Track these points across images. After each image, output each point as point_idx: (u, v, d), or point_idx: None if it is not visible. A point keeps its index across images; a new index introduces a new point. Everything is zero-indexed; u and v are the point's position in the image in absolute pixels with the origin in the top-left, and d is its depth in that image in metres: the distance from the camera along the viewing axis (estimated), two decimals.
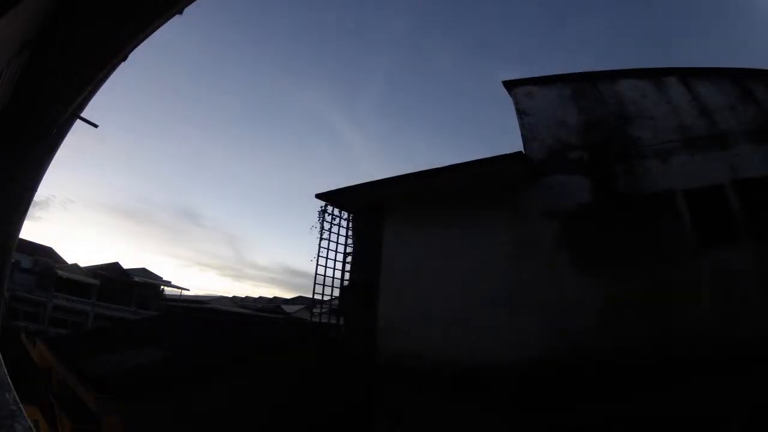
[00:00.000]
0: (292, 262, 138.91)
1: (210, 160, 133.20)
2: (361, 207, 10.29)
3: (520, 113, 8.88)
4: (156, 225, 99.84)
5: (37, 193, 6.11)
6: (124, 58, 4.60)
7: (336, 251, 10.39)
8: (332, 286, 10.20)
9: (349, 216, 10.65)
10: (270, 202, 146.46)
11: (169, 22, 4.28)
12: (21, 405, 1.48)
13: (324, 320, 10.24)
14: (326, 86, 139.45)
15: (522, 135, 8.65)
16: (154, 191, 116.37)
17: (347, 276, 10.44)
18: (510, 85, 9.29)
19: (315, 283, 9.88)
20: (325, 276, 10.04)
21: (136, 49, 4.53)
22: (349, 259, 10.52)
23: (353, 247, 10.50)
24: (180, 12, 4.14)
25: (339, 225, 10.52)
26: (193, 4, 4.13)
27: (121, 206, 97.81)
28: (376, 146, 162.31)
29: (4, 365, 1.91)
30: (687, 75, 8.10)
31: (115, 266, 40.23)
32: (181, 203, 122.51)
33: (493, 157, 7.71)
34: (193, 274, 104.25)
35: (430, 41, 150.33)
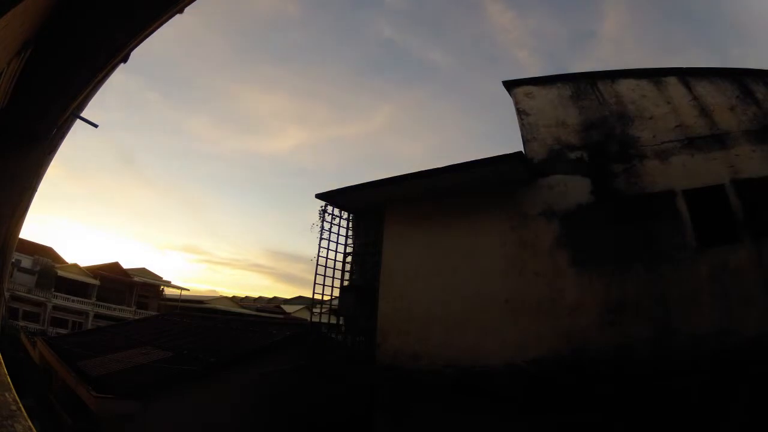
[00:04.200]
0: (278, 243, 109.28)
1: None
2: (361, 207, 10.29)
3: (520, 113, 8.87)
4: (84, 174, 67.86)
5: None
6: (124, 59, 4.60)
7: (336, 251, 10.40)
8: (332, 286, 10.21)
9: (349, 216, 10.65)
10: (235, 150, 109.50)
11: (168, 21, 4.28)
12: (21, 405, 1.48)
13: (324, 320, 10.23)
14: None
15: (522, 135, 8.65)
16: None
17: (347, 276, 10.45)
18: (510, 85, 9.29)
19: (315, 283, 9.89)
20: (325, 276, 10.05)
21: (136, 49, 4.53)
22: (349, 259, 10.53)
23: (353, 247, 10.51)
24: (180, 11, 4.14)
25: (339, 225, 10.54)
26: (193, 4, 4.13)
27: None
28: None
29: (4, 365, 1.91)
30: (687, 75, 8.09)
31: (115, 266, 40.25)
32: (113, 143, 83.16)
33: (493, 157, 7.71)
34: (156, 258, 74.04)
35: None
